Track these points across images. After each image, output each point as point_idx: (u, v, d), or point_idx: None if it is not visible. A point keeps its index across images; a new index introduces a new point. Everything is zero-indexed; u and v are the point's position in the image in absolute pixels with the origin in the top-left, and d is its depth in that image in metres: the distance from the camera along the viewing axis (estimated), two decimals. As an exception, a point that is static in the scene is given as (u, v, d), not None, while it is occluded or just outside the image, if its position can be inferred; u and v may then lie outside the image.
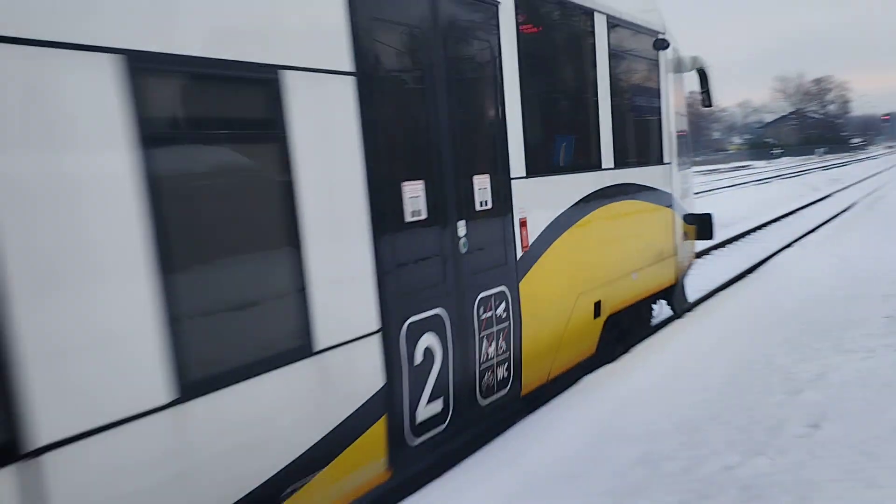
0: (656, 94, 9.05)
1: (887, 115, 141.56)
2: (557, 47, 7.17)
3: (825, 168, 63.17)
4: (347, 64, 4.47)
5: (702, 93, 10.20)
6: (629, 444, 5.58)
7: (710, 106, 10.49)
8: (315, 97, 4.27)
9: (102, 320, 3.19)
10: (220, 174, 3.86)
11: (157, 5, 3.45)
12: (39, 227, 2.98)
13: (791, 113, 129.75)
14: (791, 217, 24.81)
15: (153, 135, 3.38)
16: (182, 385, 3.47)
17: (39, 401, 2.91)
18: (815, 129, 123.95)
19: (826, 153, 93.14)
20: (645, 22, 8.61)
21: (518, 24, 6.17)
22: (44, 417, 2.92)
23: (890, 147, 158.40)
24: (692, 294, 11.03)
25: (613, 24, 7.75)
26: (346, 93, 4.47)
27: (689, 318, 9.36)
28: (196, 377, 3.56)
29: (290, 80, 4.07)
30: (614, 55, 7.78)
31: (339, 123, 4.47)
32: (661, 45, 8.91)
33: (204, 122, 3.82)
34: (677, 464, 5.15)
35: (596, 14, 7.42)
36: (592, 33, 7.42)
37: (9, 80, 2.89)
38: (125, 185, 3.26)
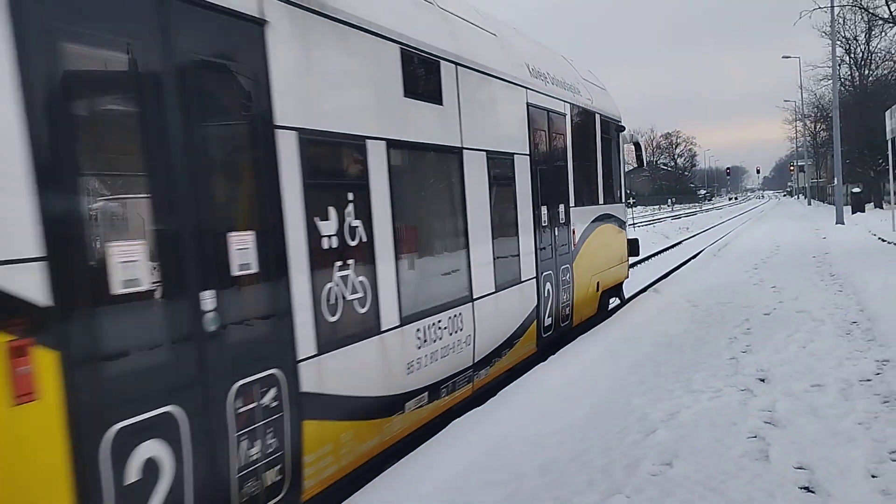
0: (618, 159, 14.13)
1: (729, 168, 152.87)
2: (581, 134, 11.88)
3: (675, 217, 67.02)
4: (528, 150, 9.39)
5: (636, 157, 15.21)
6: (495, 486, 5.59)
7: (642, 166, 16.16)
8: (522, 166, 9.19)
9: (481, 253, 8.05)
10: (506, 201, 8.88)
11: (496, 132, 8.67)
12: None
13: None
14: (644, 264, 26.10)
15: (494, 182, 8.37)
16: (496, 286, 8.30)
17: (475, 281, 7.78)
18: (666, 180, 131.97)
19: (675, 203, 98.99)
20: (612, 115, 13.71)
21: (571, 124, 11.22)
22: (476, 287, 7.80)
23: (732, 198, 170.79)
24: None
25: (602, 119, 12.85)
26: (528, 164, 9.37)
27: (550, 360, 9.59)
28: (500, 283, 8.39)
29: (515, 159, 9.03)
30: (602, 136, 12.81)
31: (526, 177, 9.35)
32: (620, 129, 14.24)
33: (502, 177, 8.70)
34: (540, 506, 5.23)
35: (596, 114, 12.58)
36: (595, 126, 12.51)
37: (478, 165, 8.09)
38: (487, 200, 8.23)
